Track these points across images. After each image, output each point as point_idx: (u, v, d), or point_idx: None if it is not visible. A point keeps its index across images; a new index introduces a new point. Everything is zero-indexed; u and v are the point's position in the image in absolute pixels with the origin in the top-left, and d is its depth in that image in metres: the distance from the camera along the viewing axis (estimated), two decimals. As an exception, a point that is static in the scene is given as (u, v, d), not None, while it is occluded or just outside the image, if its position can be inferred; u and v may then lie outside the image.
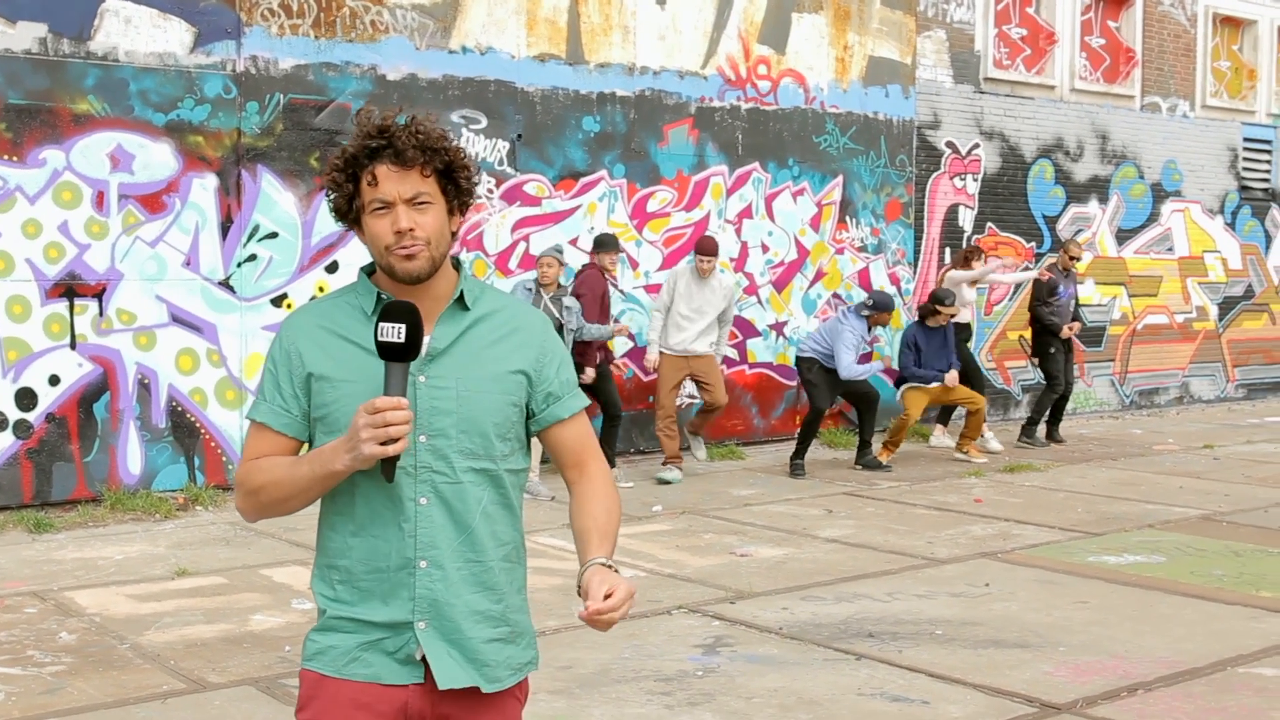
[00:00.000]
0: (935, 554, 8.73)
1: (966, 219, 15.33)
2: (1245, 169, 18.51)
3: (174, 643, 6.56)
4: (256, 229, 10.46)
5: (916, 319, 13.01)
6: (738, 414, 13.28)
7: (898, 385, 12.95)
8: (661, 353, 11.66)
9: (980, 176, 15.42)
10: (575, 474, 2.90)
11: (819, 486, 11.41)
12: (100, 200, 9.79)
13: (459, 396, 2.71)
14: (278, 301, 10.56)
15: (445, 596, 2.71)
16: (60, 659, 6.29)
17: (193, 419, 10.27)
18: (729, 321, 11.97)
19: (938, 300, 12.61)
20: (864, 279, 14.26)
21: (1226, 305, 18.49)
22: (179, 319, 10.18)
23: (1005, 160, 15.67)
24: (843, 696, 5.82)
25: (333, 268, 10.80)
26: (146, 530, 9.28)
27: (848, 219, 14.15)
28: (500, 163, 11.72)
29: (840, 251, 14.09)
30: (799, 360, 12.37)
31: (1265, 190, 18.86)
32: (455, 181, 2.75)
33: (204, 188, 10.22)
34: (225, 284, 10.36)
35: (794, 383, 13.76)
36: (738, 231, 13.33)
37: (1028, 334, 14.89)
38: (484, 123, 11.58)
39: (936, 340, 12.71)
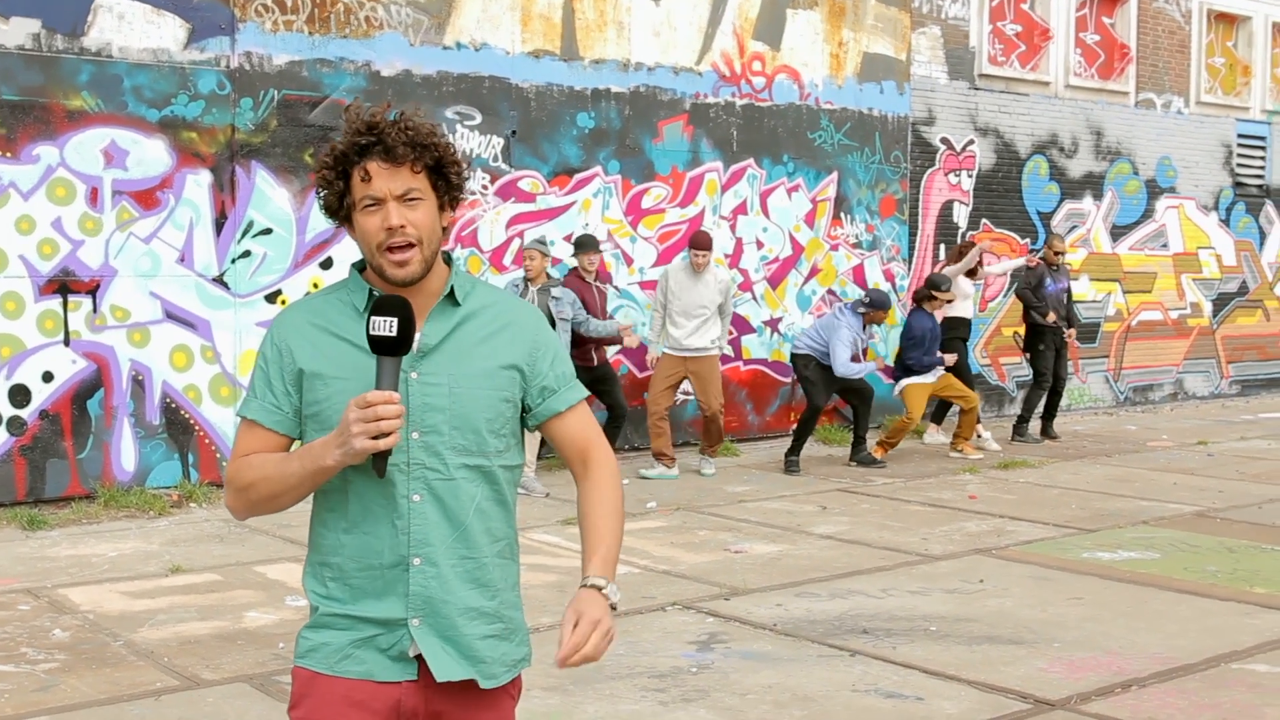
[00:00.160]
0: (930, 550, 8.74)
1: (961, 215, 15.34)
2: (1239, 165, 18.52)
3: (168, 640, 6.56)
4: (251, 225, 10.45)
5: (914, 306, 12.97)
6: (732, 411, 13.27)
7: (896, 381, 12.94)
8: (664, 352, 11.62)
9: (975, 173, 15.42)
10: (579, 469, 2.89)
11: (813, 483, 11.41)
12: (94, 196, 9.78)
13: (451, 393, 2.70)
14: (272, 298, 10.55)
15: (439, 593, 2.70)
16: (54, 656, 6.28)
17: (187, 416, 10.26)
18: (729, 315, 11.94)
19: (934, 285, 12.60)
20: (859, 275, 14.26)
21: (1221, 301, 18.51)
22: (173, 315, 10.17)
23: (1000, 156, 15.68)
24: (837, 693, 5.82)
25: (327, 264, 10.79)
26: (140, 527, 9.27)
27: (842, 215, 14.15)
28: (495, 159, 11.71)
29: (835, 248, 14.09)
30: (794, 357, 12.36)
31: (1259, 186, 18.88)
32: (446, 177, 2.74)
33: (198, 184, 10.20)
34: (219, 280, 10.35)
35: (789, 379, 13.77)
36: (732, 228, 13.32)
37: (1022, 329, 14.89)
38: (478, 119, 11.57)
39: (931, 327, 12.70)
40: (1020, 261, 14.40)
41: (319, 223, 10.70)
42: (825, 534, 9.27)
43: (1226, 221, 18.50)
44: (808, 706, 5.64)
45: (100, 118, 9.77)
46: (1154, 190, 17.45)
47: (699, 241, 11.49)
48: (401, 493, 2.69)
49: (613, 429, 11.22)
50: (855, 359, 12.05)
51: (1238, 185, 18.56)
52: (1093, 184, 16.69)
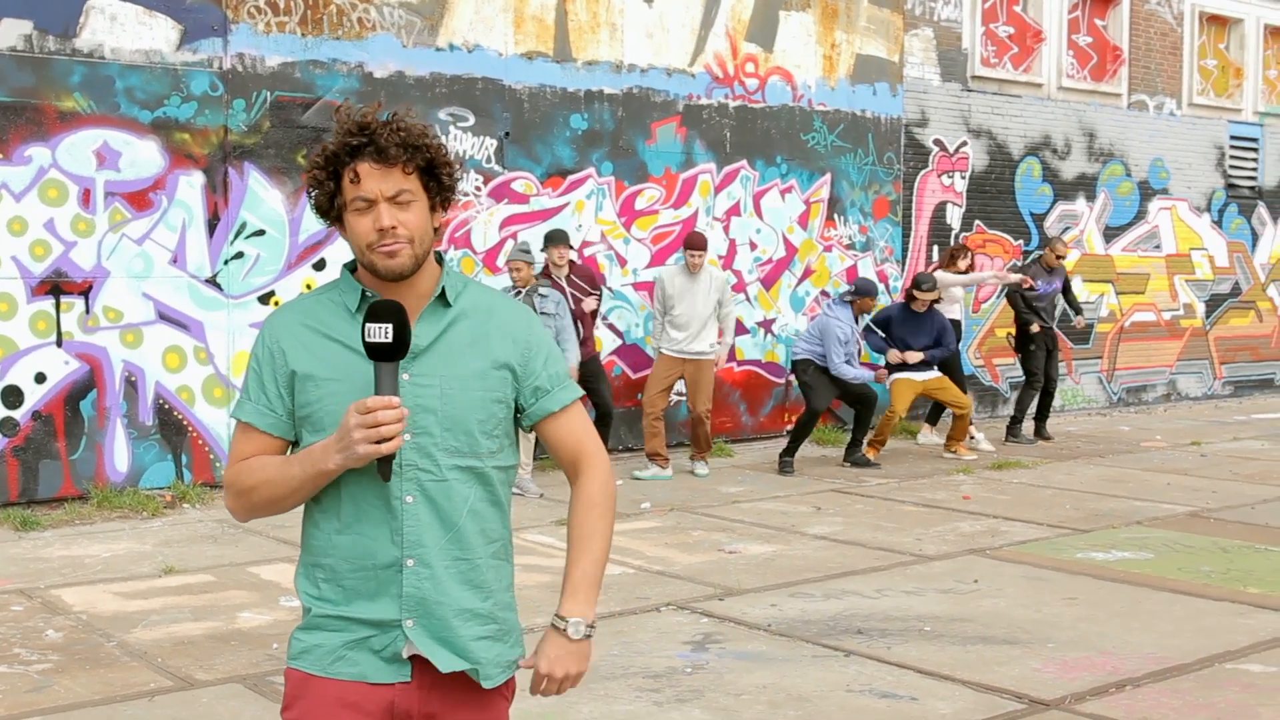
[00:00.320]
0: (924, 551, 8.74)
1: (954, 217, 15.35)
2: (1232, 167, 18.55)
3: (161, 640, 6.54)
4: (243, 226, 10.44)
5: (903, 301, 13.00)
6: (726, 411, 13.28)
7: (890, 373, 12.93)
8: (662, 353, 11.61)
9: (968, 174, 15.43)
10: (571, 472, 2.89)
11: (807, 484, 11.41)
12: (86, 198, 9.76)
13: (443, 394, 2.69)
14: (265, 299, 10.54)
15: (433, 595, 2.69)
16: (47, 657, 6.27)
17: (180, 417, 10.24)
18: (731, 317, 11.92)
19: (916, 285, 12.63)
20: (851, 276, 14.24)
21: (1213, 303, 18.53)
22: (166, 316, 10.15)
23: (993, 158, 15.69)
24: (831, 693, 5.82)
25: (320, 265, 10.78)
26: (134, 528, 9.25)
27: (836, 217, 14.16)
28: (488, 160, 11.71)
29: (828, 249, 14.10)
30: (794, 363, 12.38)
31: (1251, 188, 18.91)
32: (437, 178, 2.73)
33: (191, 185, 10.19)
34: (212, 281, 10.34)
35: (782, 380, 13.78)
36: (726, 229, 13.32)
37: (1013, 330, 14.91)
38: (471, 120, 11.56)
39: (916, 323, 12.68)
40: (1014, 279, 14.46)
41: (312, 224, 10.69)
42: (819, 534, 9.27)
43: (1219, 223, 18.53)
44: (802, 707, 5.64)
45: (92, 119, 9.76)
46: (1147, 192, 17.47)
47: (694, 242, 11.49)
48: (394, 494, 2.68)
49: (601, 429, 11.21)
50: (850, 361, 12.06)
51: (1230, 187, 18.59)
52: (1085, 185, 16.71)
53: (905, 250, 14.90)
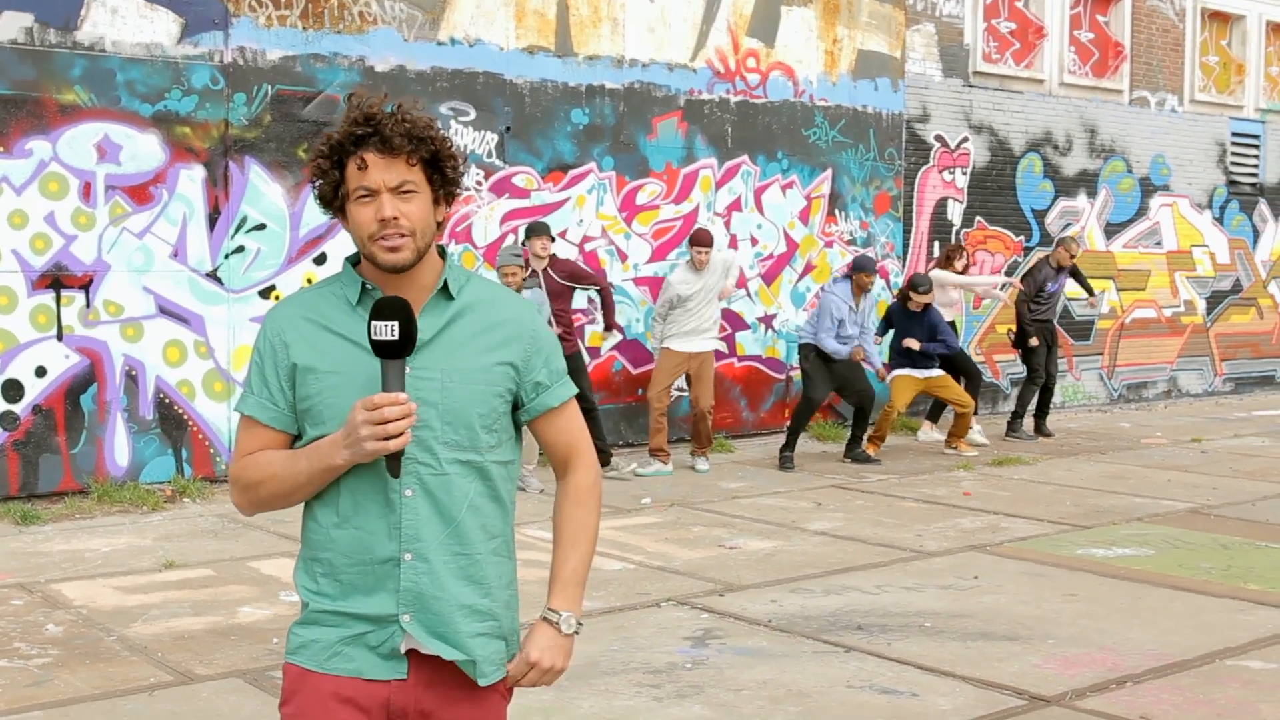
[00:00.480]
0: (924, 547, 8.74)
1: (955, 212, 15.34)
2: (1233, 163, 18.54)
3: (161, 635, 6.54)
4: (244, 220, 10.43)
5: (897, 300, 12.99)
6: (726, 407, 13.27)
7: (891, 369, 12.93)
8: (665, 348, 11.59)
9: (969, 170, 15.42)
10: (560, 470, 2.90)
11: (808, 479, 11.41)
12: (87, 191, 9.75)
13: (444, 387, 2.68)
14: (266, 293, 10.53)
15: (430, 590, 2.68)
16: (47, 651, 6.27)
17: (180, 411, 10.24)
18: (734, 278, 12.12)
19: (913, 286, 12.61)
20: (853, 272, 14.24)
21: (1214, 299, 18.53)
22: (166, 310, 10.14)
23: (994, 154, 15.68)
24: (832, 689, 5.82)
25: (321, 259, 10.77)
26: (134, 522, 9.25)
27: (837, 212, 14.15)
28: (489, 155, 11.69)
29: (829, 245, 14.09)
30: (800, 347, 12.44)
31: (1253, 185, 18.90)
32: (441, 171, 2.72)
33: (191, 179, 10.18)
34: (213, 275, 10.33)
35: (783, 376, 13.78)
36: (727, 224, 13.31)
37: (1014, 327, 14.90)
38: (472, 115, 11.55)
39: (914, 323, 12.67)
40: (1003, 297, 14.55)
41: (313, 218, 10.68)
42: (820, 530, 9.26)
43: (1220, 219, 18.52)
44: (802, 702, 5.63)
45: (93, 112, 9.75)
46: (1148, 188, 17.46)
47: (700, 238, 11.48)
48: (393, 487, 2.67)
49: (589, 424, 11.15)
50: (842, 338, 12.06)
51: (1231, 183, 18.57)
52: (1087, 182, 16.70)
53: (906, 246, 14.89)
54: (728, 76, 13.18)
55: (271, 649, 6.28)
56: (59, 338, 9.72)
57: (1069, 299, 15.93)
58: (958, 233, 15.27)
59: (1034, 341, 14.05)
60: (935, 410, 13.95)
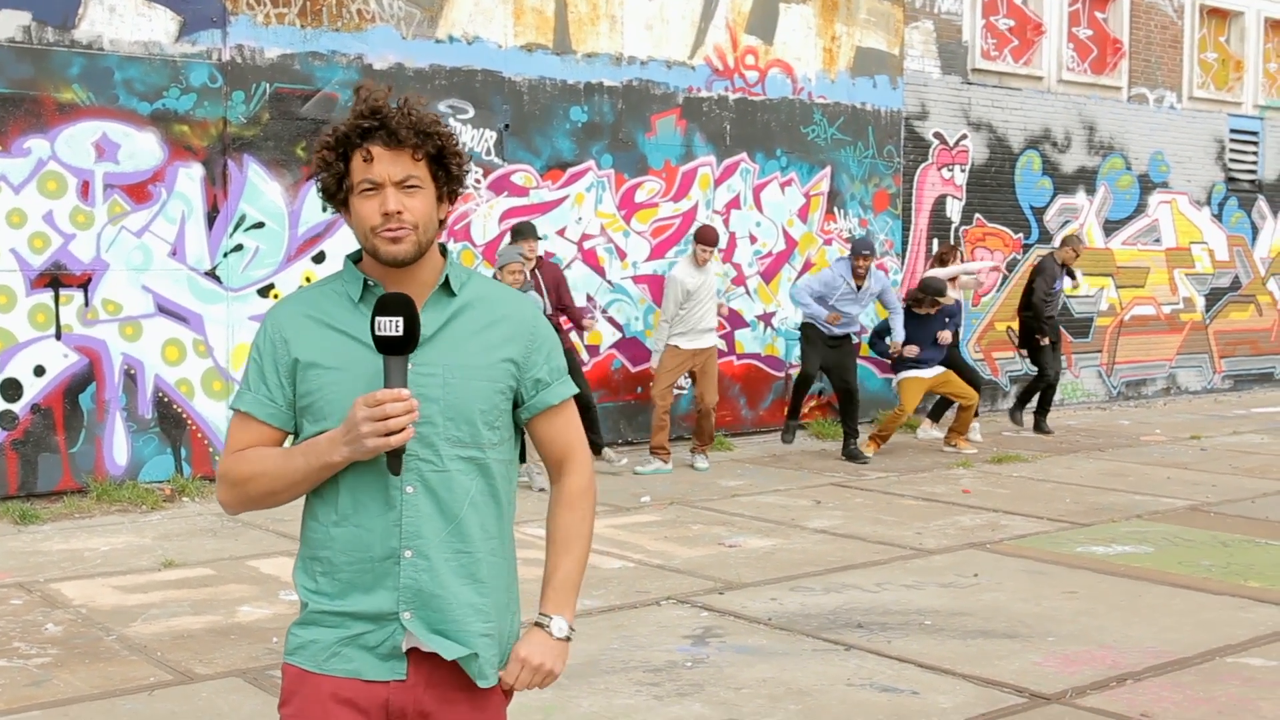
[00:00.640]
0: (923, 544, 8.73)
1: (954, 210, 15.33)
2: (1232, 160, 18.54)
3: (161, 634, 6.53)
4: (243, 219, 10.42)
5: (907, 303, 12.93)
6: (726, 405, 13.26)
7: (896, 372, 12.91)
8: (671, 345, 11.57)
9: (968, 167, 15.42)
10: (555, 471, 2.89)
11: (807, 477, 11.40)
12: (85, 190, 9.74)
13: (445, 383, 2.67)
14: (264, 292, 10.52)
15: (431, 587, 2.67)
16: (46, 651, 6.26)
17: (179, 410, 10.23)
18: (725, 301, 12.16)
19: (937, 291, 12.53)
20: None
21: (1213, 296, 18.53)
22: (165, 309, 10.14)
23: (993, 151, 15.68)
24: (832, 687, 5.81)
25: (320, 258, 10.76)
26: (133, 522, 9.24)
27: (835, 210, 14.14)
28: (487, 153, 11.68)
29: (828, 242, 14.08)
30: (801, 325, 12.54)
31: (1251, 181, 18.90)
32: (446, 167, 2.71)
33: (190, 177, 10.17)
34: (212, 274, 10.32)
35: (781, 374, 13.78)
36: (726, 222, 13.31)
37: (1015, 325, 14.90)
38: (471, 112, 11.54)
39: (921, 327, 12.66)
40: (986, 265, 14.57)
41: (311, 216, 10.68)
42: (819, 528, 9.26)
43: (1219, 216, 18.52)
44: (802, 700, 5.63)
45: (91, 111, 9.74)
46: (1146, 185, 17.46)
47: (707, 237, 11.46)
48: (394, 484, 2.66)
49: (585, 421, 11.16)
50: (820, 300, 12.14)
51: (1230, 180, 18.57)
52: (1085, 179, 16.70)
53: (905, 244, 14.89)
54: (726, 74, 13.17)
55: (271, 648, 6.27)
56: (58, 337, 9.71)
57: (1070, 296, 15.93)
58: (956, 230, 15.27)
59: (1045, 341, 14.05)
60: (937, 409, 13.94)
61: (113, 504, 9.57)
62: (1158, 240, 17.72)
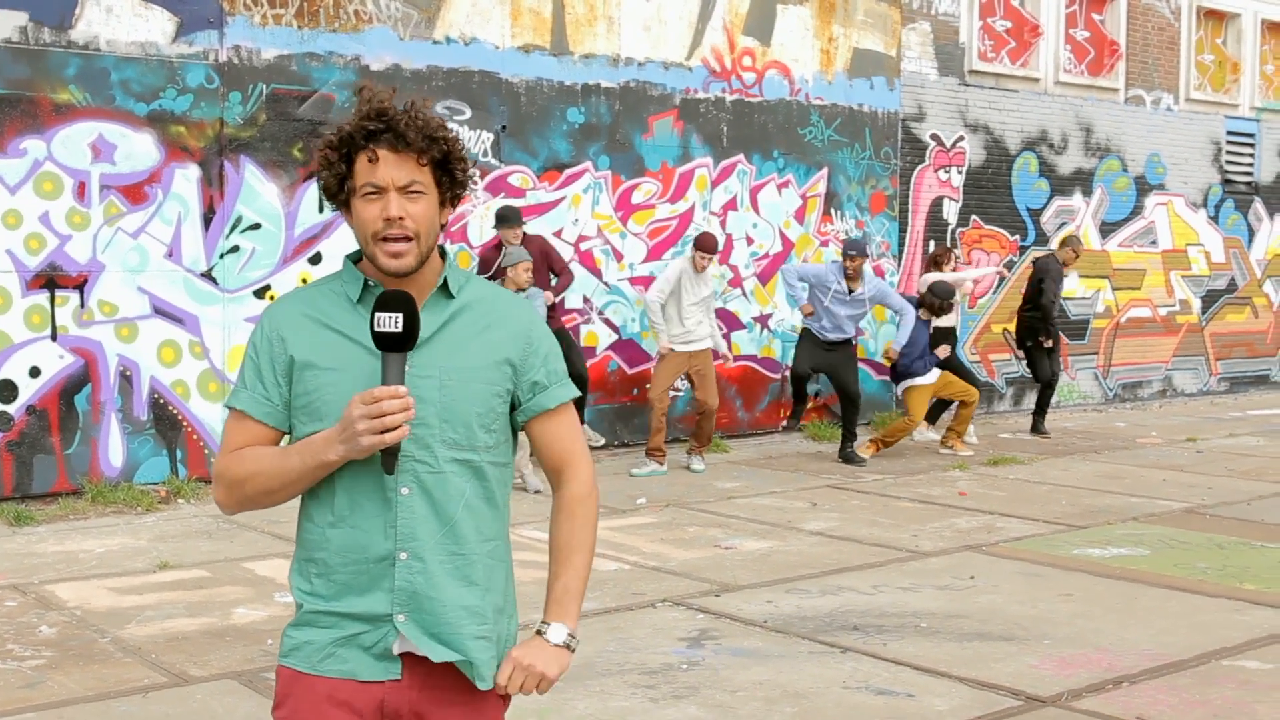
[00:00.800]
0: (920, 547, 8.73)
1: (951, 211, 15.34)
2: (1228, 162, 18.55)
3: (155, 636, 6.52)
4: (239, 220, 10.40)
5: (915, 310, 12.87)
6: (722, 407, 13.23)
7: (896, 382, 12.90)
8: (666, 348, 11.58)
9: (965, 169, 15.42)
10: (554, 478, 2.87)
11: (803, 479, 11.40)
12: (81, 191, 9.73)
13: (442, 385, 2.66)
14: (261, 293, 10.51)
15: (425, 589, 2.66)
16: (40, 653, 6.25)
17: (175, 411, 10.22)
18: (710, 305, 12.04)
19: (947, 295, 12.50)
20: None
21: (1209, 298, 18.53)
22: (161, 311, 10.12)
23: (990, 153, 15.68)
24: (828, 689, 5.81)
25: (316, 259, 10.75)
26: (128, 523, 9.23)
27: (832, 211, 14.14)
28: (484, 154, 11.67)
29: (825, 244, 14.07)
30: (801, 328, 12.55)
31: (1248, 183, 18.91)
32: (450, 173, 2.70)
33: (186, 178, 10.15)
34: (208, 275, 10.31)
35: (778, 375, 13.78)
36: (722, 223, 13.30)
37: (1012, 327, 14.92)
38: (468, 114, 11.53)
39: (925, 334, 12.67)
40: (990, 270, 14.55)
41: (308, 217, 10.67)
42: (815, 530, 9.26)
43: (1215, 218, 18.53)
44: (798, 703, 5.63)
45: (88, 111, 9.72)
46: (1143, 187, 17.46)
47: (707, 245, 11.43)
48: (390, 485, 2.65)
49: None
50: (810, 290, 12.10)
51: (1226, 182, 18.58)
52: (1082, 181, 16.70)
53: (902, 245, 14.89)
54: (723, 75, 13.17)
55: (266, 650, 6.27)
56: (53, 338, 9.70)
57: (1066, 298, 15.94)
58: (953, 231, 15.27)
59: (1049, 343, 14.07)
60: (932, 411, 13.93)
61: (108, 506, 9.56)
62: (1154, 242, 17.72)
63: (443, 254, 2.77)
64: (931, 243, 14.98)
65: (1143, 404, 17.48)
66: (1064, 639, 6.60)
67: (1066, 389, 16.52)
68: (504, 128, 11.77)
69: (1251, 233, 19.09)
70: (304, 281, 10.60)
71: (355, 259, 2.76)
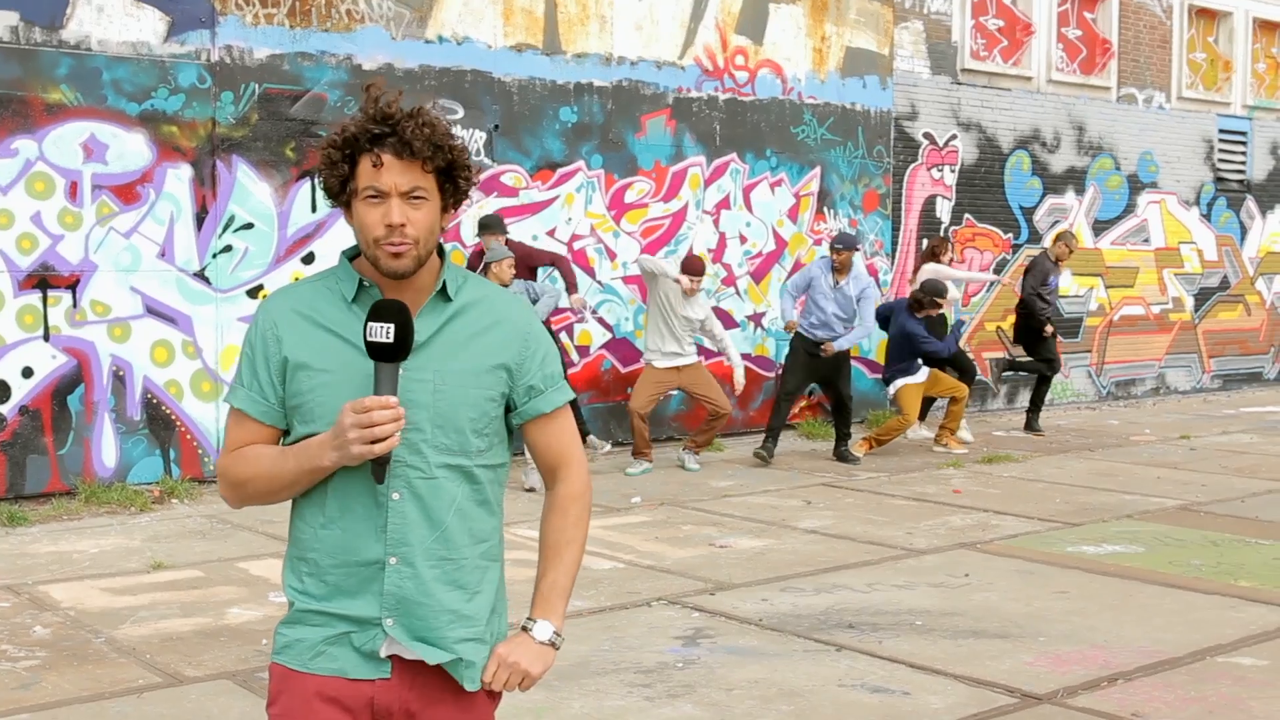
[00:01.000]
0: (914, 545, 8.73)
1: (944, 210, 15.35)
2: (1221, 160, 18.57)
3: (150, 637, 6.51)
4: (232, 220, 10.39)
5: (905, 307, 12.82)
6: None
7: (887, 383, 12.89)
8: (649, 364, 11.55)
9: (957, 168, 15.43)
10: (549, 478, 2.86)
11: (797, 478, 11.40)
12: (74, 191, 9.71)
13: (435, 390, 2.65)
14: (253, 293, 10.49)
15: (414, 594, 2.65)
16: (34, 653, 6.23)
17: (168, 411, 10.20)
18: (713, 331, 11.85)
19: (936, 293, 12.48)
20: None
21: (1202, 296, 18.56)
22: (154, 310, 10.10)
23: (982, 151, 15.69)
24: (823, 688, 5.80)
25: (309, 259, 10.74)
26: (122, 523, 9.21)
27: (825, 210, 14.15)
28: (477, 153, 11.66)
29: (818, 243, 14.07)
30: (792, 336, 12.47)
31: (1240, 182, 18.94)
32: (455, 180, 2.67)
33: (178, 178, 10.13)
34: (200, 275, 10.29)
35: (772, 374, 13.78)
36: (715, 223, 13.30)
37: (1005, 325, 14.93)
38: (461, 113, 11.52)
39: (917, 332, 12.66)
40: (983, 276, 14.60)
41: (301, 217, 10.65)
42: (810, 528, 9.26)
43: (1208, 216, 18.56)
44: (794, 701, 5.62)
45: (79, 111, 9.70)
46: (1136, 185, 17.49)
47: (694, 268, 11.38)
48: (381, 490, 2.64)
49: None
50: (816, 320, 12.04)
51: (1219, 180, 18.61)
52: (1075, 179, 16.72)
53: (895, 244, 14.89)
54: (716, 74, 13.16)
55: (261, 650, 6.25)
56: (46, 338, 9.67)
57: (1060, 296, 15.95)
58: (946, 230, 15.28)
59: (1049, 330, 14.07)
60: (921, 408, 13.94)
61: (101, 506, 9.54)
62: (1147, 240, 17.75)
63: (441, 254, 2.75)
64: (924, 241, 14.98)
65: (1136, 401, 17.51)
66: (1059, 636, 6.60)
67: (1060, 387, 16.53)
68: (497, 127, 11.76)
69: (1244, 230, 19.12)
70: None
71: (351, 255, 2.75)
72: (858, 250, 12.39)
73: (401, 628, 2.66)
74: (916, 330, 12.44)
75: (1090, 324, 17.07)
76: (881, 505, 10.16)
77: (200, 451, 10.31)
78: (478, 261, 10.96)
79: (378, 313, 2.53)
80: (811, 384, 12.60)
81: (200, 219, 10.25)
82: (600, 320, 12.56)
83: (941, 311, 13.39)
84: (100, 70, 9.77)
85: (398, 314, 2.52)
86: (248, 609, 7.03)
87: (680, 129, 12.97)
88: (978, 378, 15.61)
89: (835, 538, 8.96)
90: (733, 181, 13.41)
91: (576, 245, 12.32)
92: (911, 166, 14.97)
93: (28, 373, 9.62)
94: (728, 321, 13.39)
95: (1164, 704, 5.61)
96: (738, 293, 13.55)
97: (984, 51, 15.72)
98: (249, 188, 10.45)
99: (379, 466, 2.58)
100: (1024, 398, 14.79)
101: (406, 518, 2.65)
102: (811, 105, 13.89)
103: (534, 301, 10.51)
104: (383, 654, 2.67)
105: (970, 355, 15.03)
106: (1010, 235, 16.00)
